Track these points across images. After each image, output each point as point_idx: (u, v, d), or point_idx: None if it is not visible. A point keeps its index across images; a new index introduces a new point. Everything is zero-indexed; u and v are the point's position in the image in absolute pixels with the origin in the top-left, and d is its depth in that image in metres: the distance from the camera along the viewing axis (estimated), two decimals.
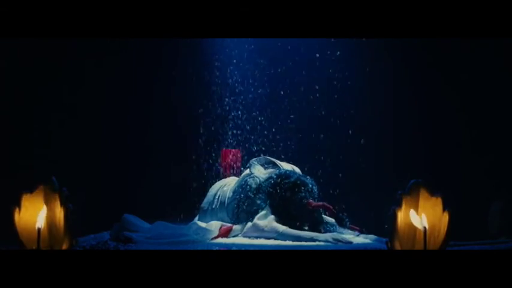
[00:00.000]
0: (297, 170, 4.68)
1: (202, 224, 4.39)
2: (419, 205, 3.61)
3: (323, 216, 4.54)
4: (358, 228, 4.44)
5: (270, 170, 4.64)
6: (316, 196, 4.49)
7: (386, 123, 5.22)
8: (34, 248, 3.52)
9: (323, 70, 5.14)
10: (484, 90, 5.01)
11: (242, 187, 4.55)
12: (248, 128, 4.97)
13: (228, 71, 5.05)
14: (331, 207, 4.43)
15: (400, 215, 3.61)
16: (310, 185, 4.50)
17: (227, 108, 5.00)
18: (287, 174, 4.53)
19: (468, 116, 5.03)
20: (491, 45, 4.84)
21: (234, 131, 4.94)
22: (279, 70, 5.10)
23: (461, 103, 5.06)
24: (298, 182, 4.48)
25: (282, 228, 4.33)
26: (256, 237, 4.35)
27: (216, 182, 4.76)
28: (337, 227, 4.47)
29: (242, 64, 5.02)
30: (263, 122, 5.13)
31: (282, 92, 5.11)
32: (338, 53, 5.13)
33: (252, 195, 4.50)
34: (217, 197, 4.66)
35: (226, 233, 4.41)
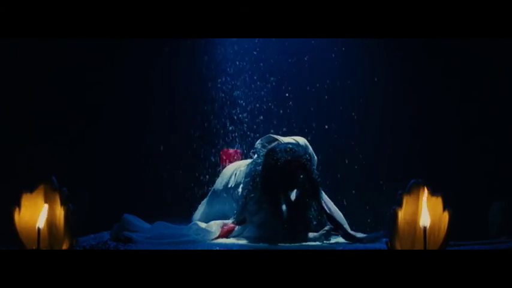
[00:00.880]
0: (302, 141, 4.44)
1: (203, 225, 4.38)
2: (419, 205, 3.61)
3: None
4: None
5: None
6: (312, 166, 4.30)
7: (386, 122, 5.21)
8: (34, 247, 3.52)
9: (322, 70, 5.13)
10: (485, 90, 5.01)
11: (250, 175, 4.43)
12: (248, 127, 4.95)
13: (228, 70, 5.04)
14: None
15: (401, 215, 3.61)
16: (298, 148, 4.29)
17: (227, 107, 4.99)
18: (274, 146, 4.34)
19: (469, 115, 5.03)
20: (491, 45, 4.84)
21: (234, 130, 4.93)
22: (278, 70, 5.09)
23: (462, 102, 5.06)
24: (283, 148, 4.28)
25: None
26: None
27: (217, 179, 4.71)
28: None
29: (242, 64, 5.01)
30: (263, 122, 5.12)
31: (285, 93, 5.09)
32: (333, 54, 5.12)
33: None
34: (229, 183, 4.54)
35: (227, 233, 4.39)
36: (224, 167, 4.71)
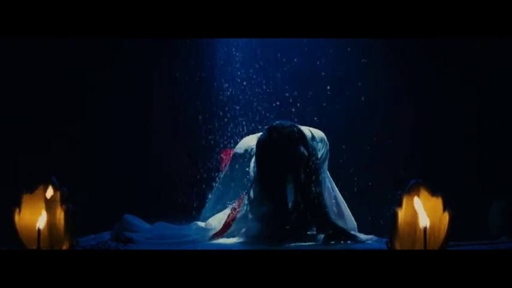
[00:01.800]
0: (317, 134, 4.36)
1: (202, 224, 4.37)
2: (417, 205, 3.62)
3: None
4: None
5: None
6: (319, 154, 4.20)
7: (386, 122, 5.21)
8: (34, 248, 3.52)
9: (321, 70, 5.13)
10: (484, 90, 5.01)
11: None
12: (247, 128, 4.95)
13: (228, 70, 5.04)
14: None
15: (401, 215, 3.61)
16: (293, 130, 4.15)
17: (227, 108, 4.98)
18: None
19: (469, 115, 5.03)
20: (491, 45, 4.84)
21: (233, 130, 4.93)
22: (278, 70, 5.08)
23: (461, 102, 5.05)
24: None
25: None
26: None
27: (217, 179, 4.69)
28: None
29: (242, 64, 5.00)
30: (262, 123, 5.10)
31: (286, 94, 5.09)
32: (330, 51, 5.11)
33: None
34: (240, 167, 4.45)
35: (228, 226, 4.36)
36: (224, 167, 4.69)
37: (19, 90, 4.92)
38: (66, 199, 3.67)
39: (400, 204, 3.61)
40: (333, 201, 4.38)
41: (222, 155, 4.82)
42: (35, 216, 3.59)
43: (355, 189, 4.82)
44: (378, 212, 4.32)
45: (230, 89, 4.83)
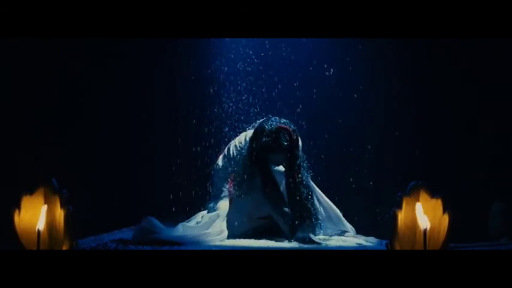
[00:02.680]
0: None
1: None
2: (417, 207, 3.62)
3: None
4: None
5: None
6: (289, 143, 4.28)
7: (386, 124, 5.20)
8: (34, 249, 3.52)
9: (320, 70, 5.12)
10: (484, 91, 5.00)
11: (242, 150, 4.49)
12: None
13: (227, 70, 5.03)
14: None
15: (401, 217, 3.61)
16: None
17: (227, 109, 4.96)
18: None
19: (468, 116, 5.02)
20: (491, 45, 4.83)
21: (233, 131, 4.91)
22: (277, 70, 5.07)
23: (461, 103, 5.04)
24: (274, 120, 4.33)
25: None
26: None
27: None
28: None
29: (242, 64, 4.99)
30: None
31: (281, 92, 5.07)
32: (332, 50, 5.10)
33: None
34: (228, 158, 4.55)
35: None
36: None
37: (19, 92, 4.91)
38: (65, 201, 3.66)
39: (400, 206, 3.62)
40: (322, 203, 4.47)
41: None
42: (35, 218, 3.59)
43: (355, 191, 4.82)
44: (378, 213, 4.32)
45: (232, 90, 4.80)
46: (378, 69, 5.19)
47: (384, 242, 3.74)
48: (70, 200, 3.66)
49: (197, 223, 4.36)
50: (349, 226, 4.50)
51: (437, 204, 3.63)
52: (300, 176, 4.32)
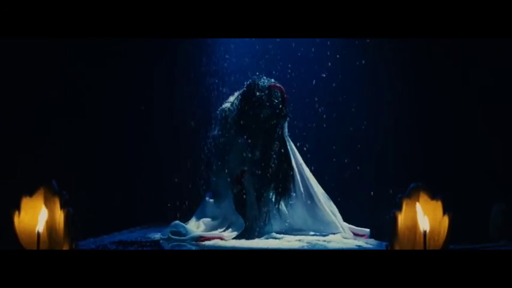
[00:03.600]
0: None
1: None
2: (417, 209, 3.61)
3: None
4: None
5: None
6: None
7: (386, 125, 5.20)
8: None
9: (319, 70, 5.11)
10: (484, 92, 4.99)
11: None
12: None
13: (226, 72, 5.02)
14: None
15: (401, 218, 3.61)
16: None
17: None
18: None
19: (469, 117, 5.01)
20: (491, 45, 4.82)
21: None
22: (276, 71, 5.05)
23: (461, 105, 5.04)
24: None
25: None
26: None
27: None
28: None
29: (246, 64, 4.98)
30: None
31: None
32: (328, 52, 5.09)
33: None
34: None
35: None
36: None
37: (18, 92, 4.90)
38: (65, 203, 3.66)
39: (399, 208, 3.61)
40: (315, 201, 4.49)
41: None
42: (35, 220, 3.58)
43: (355, 193, 4.82)
44: (378, 215, 4.31)
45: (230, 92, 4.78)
46: (378, 71, 5.19)
47: (384, 243, 3.74)
48: (70, 201, 3.65)
49: (213, 217, 4.36)
50: (345, 227, 4.49)
51: (437, 205, 3.63)
52: (284, 137, 4.41)
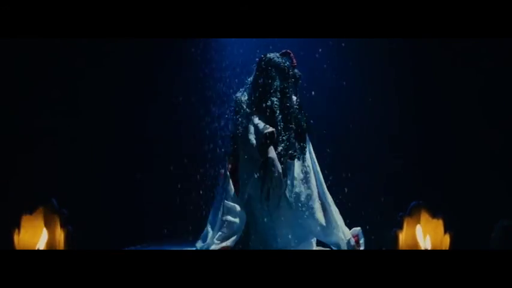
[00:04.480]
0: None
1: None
2: (420, 227, 3.61)
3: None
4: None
5: None
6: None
7: (386, 144, 5.19)
8: None
9: (319, 81, 5.10)
10: (487, 109, 4.98)
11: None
12: None
13: (233, 72, 5.00)
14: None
15: (402, 237, 3.60)
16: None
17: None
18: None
19: (471, 135, 5.00)
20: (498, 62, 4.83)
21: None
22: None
23: (464, 122, 5.03)
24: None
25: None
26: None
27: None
28: None
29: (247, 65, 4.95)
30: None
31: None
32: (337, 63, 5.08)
33: None
34: None
35: None
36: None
37: (19, 109, 4.91)
38: (65, 221, 3.66)
39: (401, 227, 3.61)
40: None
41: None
42: (35, 238, 3.58)
43: (356, 212, 4.79)
44: (379, 234, 4.28)
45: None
46: (381, 84, 5.18)
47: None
48: (70, 219, 3.65)
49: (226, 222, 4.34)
50: (346, 232, 4.40)
51: (438, 224, 3.62)
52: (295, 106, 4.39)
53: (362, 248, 4.22)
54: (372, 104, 5.19)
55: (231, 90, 4.70)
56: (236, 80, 4.81)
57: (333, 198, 4.41)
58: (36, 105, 4.96)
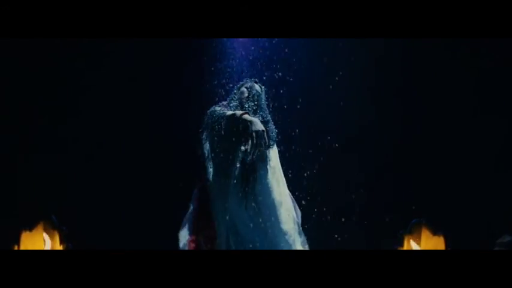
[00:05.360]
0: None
1: None
2: (421, 244, 3.60)
3: None
4: None
5: None
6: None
7: (387, 159, 5.18)
8: None
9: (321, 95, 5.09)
10: (489, 123, 4.96)
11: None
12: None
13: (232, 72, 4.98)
14: None
15: None
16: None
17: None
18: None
19: (472, 151, 4.98)
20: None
21: None
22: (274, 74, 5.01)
23: (465, 137, 5.01)
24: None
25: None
26: None
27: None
28: None
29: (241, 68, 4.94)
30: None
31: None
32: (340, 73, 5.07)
33: None
34: None
35: None
36: None
37: (18, 124, 4.90)
38: (65, 238, 3.66)
39: (401, 244, 3.60)
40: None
41: None
42: None
43: (355, 228, 4.78)
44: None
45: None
46: (378, 99, 5.16)
47: None
48: (69, 236, 3.65)
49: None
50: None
51: (439, 241, 3.61)
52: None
53: None
54: (372, 118, 5.19)
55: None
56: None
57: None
58: (36, 114, 4.96)
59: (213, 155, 4.27)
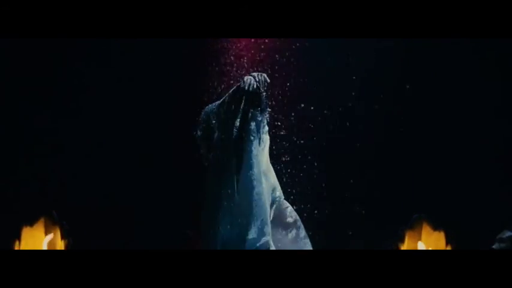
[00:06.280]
0: None
1: None
2: (422, 240, 3.60)
3: None
4: None
5: None
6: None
7: (388, 155, 5.18)
8: None
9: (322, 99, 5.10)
10: (491, 122, 4.96)
11: None
12: None
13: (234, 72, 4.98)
14: None
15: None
16: None
17: None
18: None
19: (471, 145, 4.99)
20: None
21: None
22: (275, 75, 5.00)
23: (467, 135, 5.01)
24: None
25: None
26: None
27: None
28: None
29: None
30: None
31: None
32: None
33: None
34: None
35: None
36: None
37: (21, 125, 4.91)
38: (66, 233, 3.66)
39: (402, 240, 3.61)
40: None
41: None
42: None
43: (357, 224, 4.78)
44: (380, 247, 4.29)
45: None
46: (383, 98, 5.17)
47: None
48: (70, 231, 3.65)
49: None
50: None
51: (440, 236, 3.62)
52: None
53: None
54: (373, 115, 5.20)
55: None
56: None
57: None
58: (36, 111, 4.96)
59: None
